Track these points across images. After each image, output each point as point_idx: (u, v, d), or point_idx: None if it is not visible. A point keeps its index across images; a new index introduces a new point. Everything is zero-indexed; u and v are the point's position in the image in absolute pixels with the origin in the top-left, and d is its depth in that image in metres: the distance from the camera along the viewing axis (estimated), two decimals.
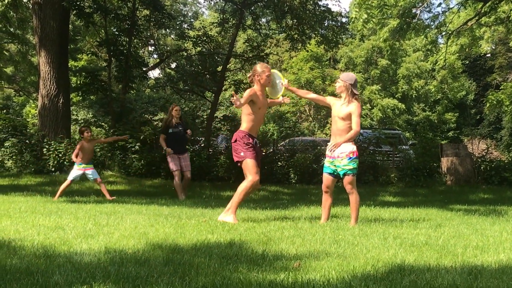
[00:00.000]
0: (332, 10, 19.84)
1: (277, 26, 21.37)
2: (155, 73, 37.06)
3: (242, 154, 6.27)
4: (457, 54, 18.69)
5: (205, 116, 22.35)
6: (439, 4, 71.91)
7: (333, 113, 6.32)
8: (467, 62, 38.38)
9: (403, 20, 13.80)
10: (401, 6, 13.55)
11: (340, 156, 6.17)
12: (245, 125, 6.40)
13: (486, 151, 16.63)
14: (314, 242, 4.70)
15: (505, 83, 19.34)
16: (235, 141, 6.37)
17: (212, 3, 24.83)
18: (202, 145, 16.60)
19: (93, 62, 30.65)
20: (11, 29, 22.47)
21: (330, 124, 6.84)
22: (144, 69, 19.86)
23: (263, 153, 6.17)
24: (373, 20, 12.28)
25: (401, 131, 27.27)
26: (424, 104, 39.47)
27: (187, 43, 22.33)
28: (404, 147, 18.40)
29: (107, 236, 4.84)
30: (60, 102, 15.29)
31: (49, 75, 15.20)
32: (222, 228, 5.57)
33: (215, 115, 22.21)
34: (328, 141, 6.53)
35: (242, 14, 19.22)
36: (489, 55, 38.06)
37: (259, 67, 6.47)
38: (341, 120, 6.18)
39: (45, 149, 14.74)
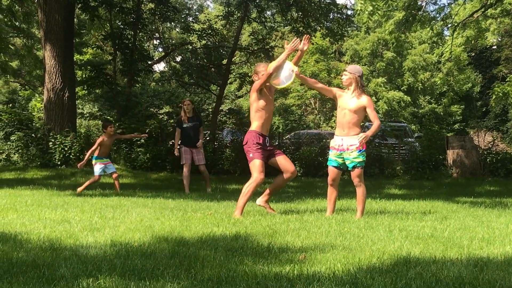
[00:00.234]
0: (338, 2, 19.77)
1: (282, 19, 21.30)
2: (160, 67, 37.07)
3: (251, 155, 6.35)
4: (463, 46, 18.57)
5: (210, 110, 22.38)
6: None
7: (340, 104, 6.28)
8: (473, 54, 38.15)
9: (409, 12, 13.70)
10: None
11: (350, 148, 6.15)
12: (255, 124, 6.43)
13: (492, 143, 16.58)
14: (319, 235, 4.70)
15: (511, 75, 19.22)
16: (246, 143, 6.43)
17: None
18: (208, 138, 16.63)
19: (98, 55, 30.66)
20: (17, 23, 22.49)
21: (336, 116, 6.80)
22: (149, 62, 19.88)
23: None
24: (379, 12, 12.20)
25: (406, 123, 27.19)
26: (430, 96, 39.31)
27: (192, 36, 22.31)
28: (409, 139, 18.36)
29: (113, 229, 4.86)
30: (66, 96, 15.31)
31: (55, 69, 15.22)
32: (227, 221, 5.58)
33: (220, 108, 22.22)
34: (333, 134, 6.51)
35: (247, 7, 19.17)
36: (495, 47, 37.82)
37: (259, 67, 6.52)
38: (352, 112, 6.15)
39: (51, 143, 14.78)
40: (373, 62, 37.57)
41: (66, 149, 14.61)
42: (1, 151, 15.52)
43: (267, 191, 6.73)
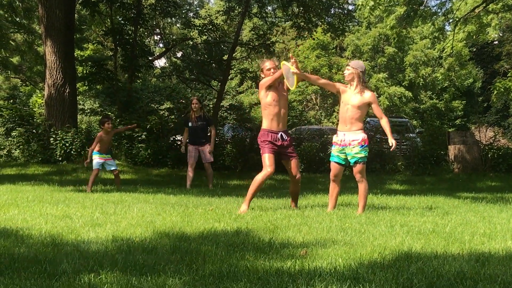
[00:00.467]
0: None
1: (283, 14, 21.26)
2: (161, 62, 37.05)
3: (261, 151, 6.46)
4: (464, 42, 18.52)
5: (211, 105, 22.36)
6: None
7: (343, 100, 6.26)
8: (474, 50, 38.07)
9: (410, 7, 13.67)
10: None
11: (352, 143, 6.15)
12: (264, 122, 6.48)
13: (493, 138, 16.54)
14: (320, 230, 4.70)
15: None
16: (258, 141, 6.56)
17: None
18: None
19: (99, 51, 30.64)
20: (17, 19, 22.49)
21: (337, 112, 6.81)
22: (150, 58, 19.86)
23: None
24: (380, 7, 12.20)
25: (408, 119, 27.16)
26: (431, 92, 39.23)
27: (193, 32, 22.29)
28: (411, 135, 18.33)
29: (115, 225, 4.87)
30: (67, 91, 15.31)
31: (55, 65, 15.21)
32: (229, 216, 5.58)
33: (221, 104, 22.20)
34: (335, 129, 6.51)
35: (248, 2, 19.13)
36: (496, 42, 37.72)
37: (264, 64, 6.55)
38: (355, 108, 6.14)
39: (52, 139, 14.80)
40: (374, 57, 37.49)
41: (67, 145, 14.62)
42: (2, 147, 15.53)
43: (292, 204, 6.85)
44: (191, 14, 35.34)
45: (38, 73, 26.40)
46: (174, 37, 31.93)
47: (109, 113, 18.66)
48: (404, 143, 17.11)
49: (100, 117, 12.77)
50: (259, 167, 6.58)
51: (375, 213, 6.09)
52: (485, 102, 38.34)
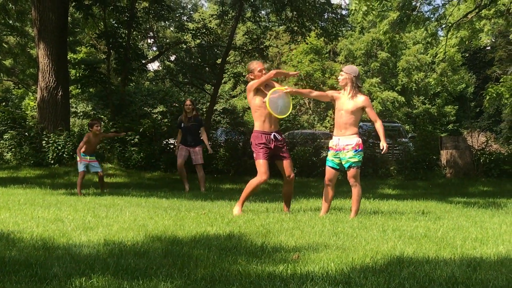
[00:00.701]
0: (332, 2, 19.79)
1: (276, 19, 21.30)
2: (154, 66, 36.99)
3: (254, 155, 6.47)
4: (457, 47, 18.63)
5: (204, 109, 22.33)
6: None
7: (337, 106, 6.29)
8: (467, 55, 38.29)
9: (403, 12, 13.73)
10: None
11: (346, 148, 6.17)
12: (256, 124, 6.50)
13: (485, 143, 16.62)
14: (313, 235, 4.71)
15: (504, 76, 19.29)
16: (251, 143, 6.56)
17: None
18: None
19: (92, 54, 30.56)
20: (10, 22, 22.40)
21: (330, 117, 6.85)
22: (143, 61, 19.81)
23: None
24: (373, 12, 12.26)
25: (400, 124, 27.25)
26: (423, 97, 39.41)
27: (186, 36, 22.29)
28: (403, 140, 18.39)
29: (106, 228, 4.85)
30: (59, 94, 15.25)
31: (48, 68, 15.15)
32: (221, 220, 5.58)
33: (215, 108, 22.19)
34: (328, 134, 6.54)
35: (242, 6, 19.15)
36: (489, 48, 37.92)
37: (252, 64, 6.61)
38: (348, 113, 6.17)
39: (44, 142, 14.73)
40: (367, 62, 37.64)
41: (59, 148, 14.56)
42: None
43: (284, 208, 6.84)
44: (185, 18, 35.39)
45: (31, 76, 26.28)
46: (167, 40, 31.89)
47: (102, 116, 18.59)
48: (397, 148, 17.16)
49: (90, 120, 12.73)
50: (252, 171, 6.60)
51: (368, 217, 6.10)
52: (478, 107, 38.53)
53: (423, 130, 17.34)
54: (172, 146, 15.08)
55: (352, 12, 12.42)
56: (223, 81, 20.88)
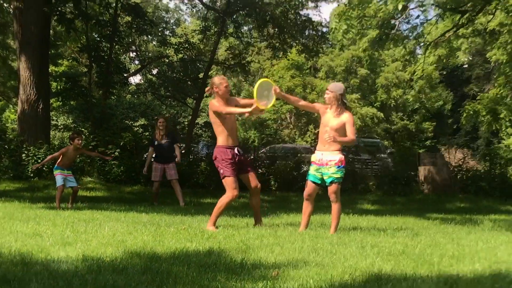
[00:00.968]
0: (313, 19, 20.01)
1: (258, 35, 21.49)
2: (136, 79, 36.82)
3: (221, 171, 6.44)
4: (434, 65, 18.90)
5: (186, 123, 22.31)
6: (418, 16, 72.93)
7: (323, 121, 6.36)
8: (445, 73, 38.83)
9: (382, 31, 13.93)
10: (380, 17, 13.68)
11: (329, 163, 6.22)
12: (220, 139, 6.49)
13: (462, 160, 16.87)
14: (292, 251, 4.73)
15: (481, 94, 19.62)
16: (215, 158, 6.51)
17: (194, 10, 24.86)
18: (183, 151, 16.58)
19: (73, 67, 30.35)
20: None
21: (311, 131, 6.90)
22: (125, 75, 19.78)
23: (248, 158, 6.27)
24: (353, 30, 12.42)
25: (380, 139, 27.51)
26: (402, 113, 39.86)
27: (169, 50, 22.32)
28: (382, 155, 18.58)
29: (85, 244, 4.82)
30: (40, 107, 15.14)
31: (29, 80, 15.04)
32: (201, 236, 5.57)
33: (196, 121, 22.18)
34: (309, 148, 6.61)
35: (224, 22, 19.29)
36: (466, 66, 38.55)
37: (217, 79, 6.56)
38: (333, 131, 6.21)
39: (24, 155, 14.56)
40: (347, 78, 37.99)
41: (39, 161, 14.40)
42: None
43: (255, 222, 6.83)
44: (167, 32, 35.36)
45: (12, 88, 26.01)
46: (150, 54, 31.86)
47: (83, 129, 18.46)
48: (376, 163, 17.33)
49: (72, 132, 12.47)
50: None
51: (347, 233, 6.15)
52: (455, 124, 39.03)
53: (401, 146, 17.58)
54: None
55: (333, 31, 12.57)
56: (205, 95, 20.91)
